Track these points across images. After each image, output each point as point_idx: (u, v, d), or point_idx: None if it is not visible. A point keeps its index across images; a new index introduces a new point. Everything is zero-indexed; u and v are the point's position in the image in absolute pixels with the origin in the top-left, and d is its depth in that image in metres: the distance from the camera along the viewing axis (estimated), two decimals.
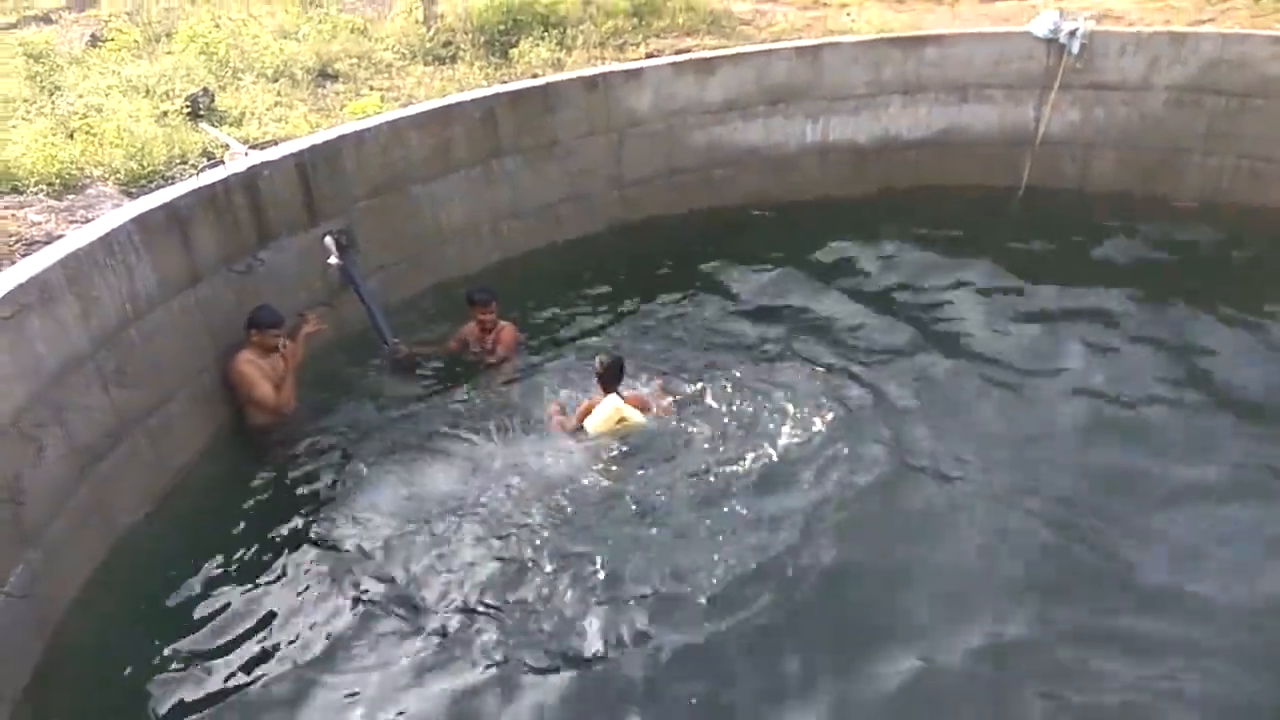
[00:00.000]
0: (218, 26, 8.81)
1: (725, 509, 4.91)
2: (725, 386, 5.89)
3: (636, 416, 5.49)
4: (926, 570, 4.56)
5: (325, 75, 8.29)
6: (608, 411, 5.46)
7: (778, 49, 8.35)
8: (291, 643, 4.32)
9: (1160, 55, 8.02)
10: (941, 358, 6.24)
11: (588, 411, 5.55)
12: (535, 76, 8.04)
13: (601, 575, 4.56)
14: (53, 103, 6.96)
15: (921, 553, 4.66)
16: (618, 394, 5.52)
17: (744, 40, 9.02)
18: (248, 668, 4.20)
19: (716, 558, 4.60)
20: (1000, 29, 8.62)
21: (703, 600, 4.38)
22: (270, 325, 5.54)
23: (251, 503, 5.24)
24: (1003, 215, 8.32)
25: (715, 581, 4.47)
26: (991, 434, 5.53)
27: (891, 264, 7.53)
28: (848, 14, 9.67)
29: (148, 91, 7.29)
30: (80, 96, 7.08)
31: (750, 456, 5.25)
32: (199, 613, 4.51)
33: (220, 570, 4.76)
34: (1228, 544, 4.64)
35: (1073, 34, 8.05)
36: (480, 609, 4.44)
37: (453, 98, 7.29)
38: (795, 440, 5.38)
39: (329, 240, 6.26)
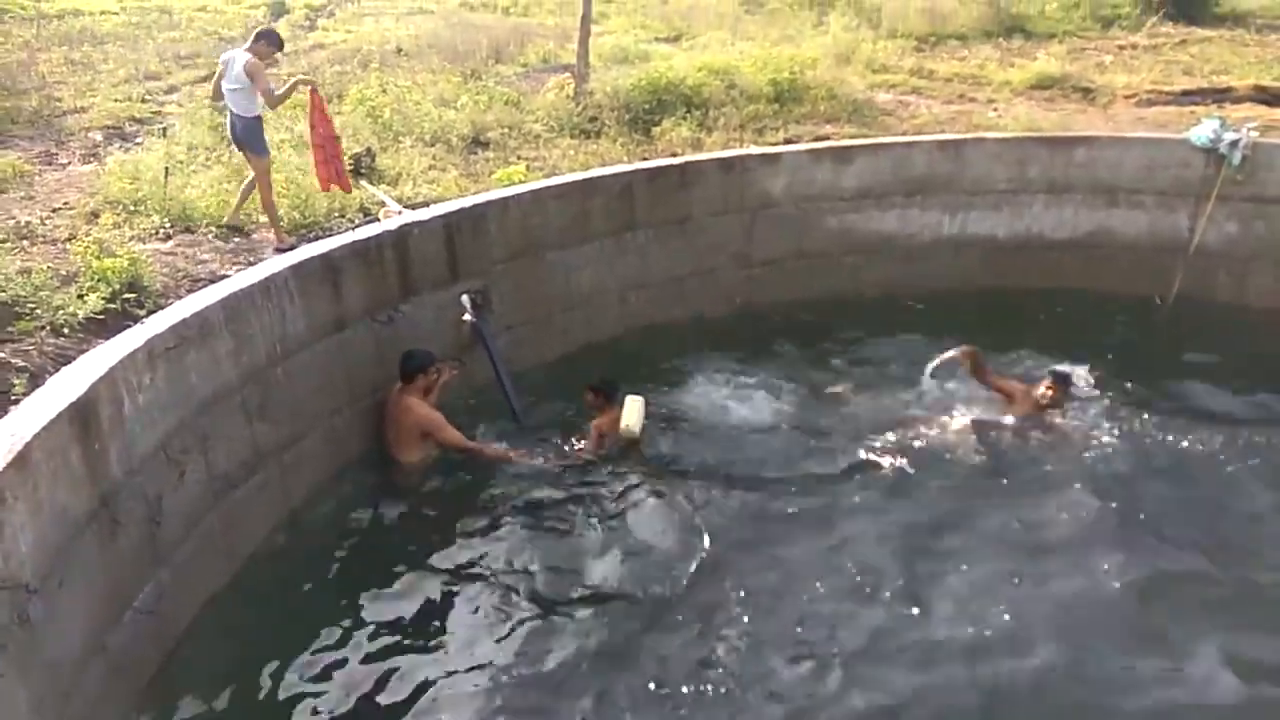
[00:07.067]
0: (384, 92, 9.42)
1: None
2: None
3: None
4: None
5: (478, 143, 8.72)
6: (635, 407, 6.00)
7: (918, 141, 8.33)
8: (396, 688, 4.39)
9: None
10: (1030, 483, 5.96)
11: (600, 431, 6.06)
12: (674, 155, 8.24)
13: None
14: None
15: None
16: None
17: (884, 131, 9.03)
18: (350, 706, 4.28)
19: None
20: (1154, 135, 8.37)
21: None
22: (432, 365, 5.97)
23: (370, 543, 5.39)
24: (1149, 325, 7.94)
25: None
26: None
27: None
28: (994, 110, 9.59)
29: None
30: None
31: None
32: (308, 644, 4.63)
33: (335, 604, 4.89)
34: None
35: (1234, 144, 7.74)
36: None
37: (594, 171, 7.57)
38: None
39: (465, 298, 6.51)
